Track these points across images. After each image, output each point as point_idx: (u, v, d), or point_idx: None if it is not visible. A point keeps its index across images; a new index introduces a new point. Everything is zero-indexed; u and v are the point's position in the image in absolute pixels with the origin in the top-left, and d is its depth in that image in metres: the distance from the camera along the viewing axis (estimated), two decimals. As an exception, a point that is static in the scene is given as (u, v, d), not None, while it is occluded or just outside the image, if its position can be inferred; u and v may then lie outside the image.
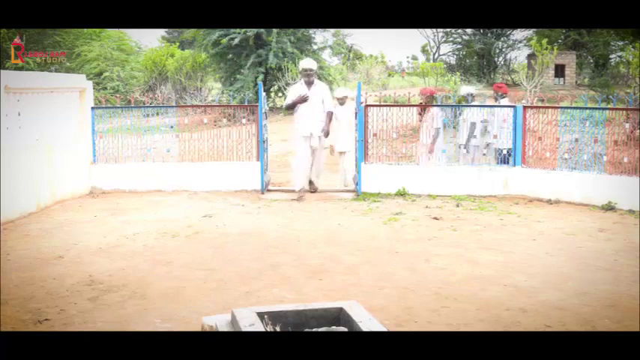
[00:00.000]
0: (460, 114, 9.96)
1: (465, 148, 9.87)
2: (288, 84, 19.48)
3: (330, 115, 9.40)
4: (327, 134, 9.43)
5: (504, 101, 10.16)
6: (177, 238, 7.04)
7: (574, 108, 9.61)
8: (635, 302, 4.93)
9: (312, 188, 9.59)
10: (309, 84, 9.37)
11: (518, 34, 32.11)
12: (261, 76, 21.82)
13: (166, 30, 43.88)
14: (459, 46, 32.21)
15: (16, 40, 10.56)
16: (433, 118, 9.92)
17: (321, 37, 25.39)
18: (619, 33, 23.24)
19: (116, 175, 9.83)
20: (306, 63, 9.70)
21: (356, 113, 9.48)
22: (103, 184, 9.77)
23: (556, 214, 8.15)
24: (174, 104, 12.65)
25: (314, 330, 3.14)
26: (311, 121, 9.25)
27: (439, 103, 10.09)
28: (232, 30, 21.34)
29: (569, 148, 9.64)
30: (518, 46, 31.08)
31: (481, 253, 6.40)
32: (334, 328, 3.18)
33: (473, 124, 9.83)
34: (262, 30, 21.41)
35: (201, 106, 15.36)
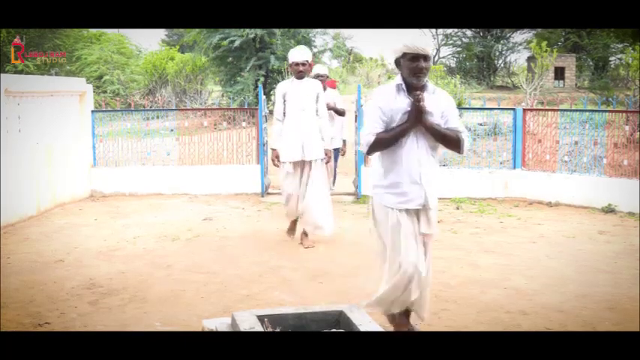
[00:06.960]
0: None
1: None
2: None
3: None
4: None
5: None
6: (177, 241, 7.04)
7: (574, 110, 9.63)
8: (636, 304, 4.93)
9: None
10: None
11: (518, 36, 32.10)
12: (261, 79, 21.82)
13: (166, 33, 43.86)
14: (459, 49, 32.17)
15: (16, 40, 10.58)
16: None
17: (321, 39, 25.35)
18: (618, 35, 23.24)
19: (116, 179, 9.84)
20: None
21: (356, 116, 9.47)
22: (103, 188, 9.78)
23: (556, 217, 8.15)
24: (174, 107, 12.65)
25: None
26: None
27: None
28: (233, 32, 21.33)
29: (569, 151, 9.66)
30: (518, 48, 31.04)
31: (481, 255, 6.40)
32: (334, 332, 3.18)
33: None
34: (264, 32, 21.40)
35: (202, 109, 15.40)
